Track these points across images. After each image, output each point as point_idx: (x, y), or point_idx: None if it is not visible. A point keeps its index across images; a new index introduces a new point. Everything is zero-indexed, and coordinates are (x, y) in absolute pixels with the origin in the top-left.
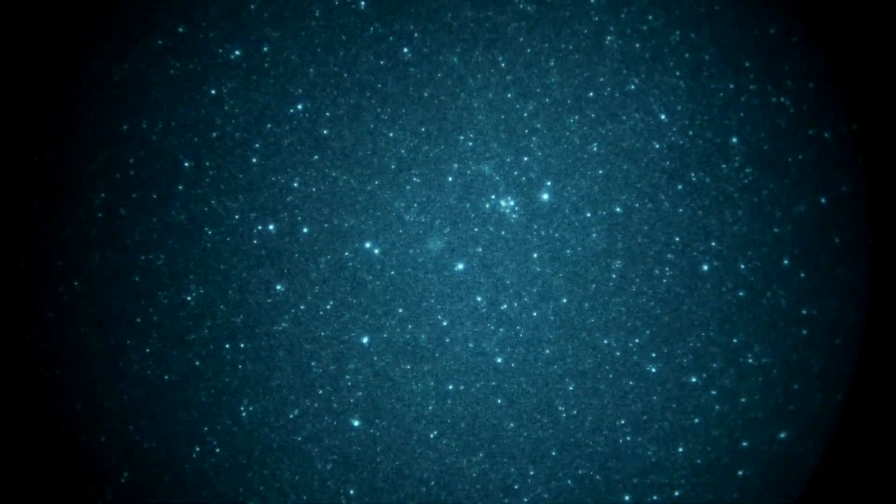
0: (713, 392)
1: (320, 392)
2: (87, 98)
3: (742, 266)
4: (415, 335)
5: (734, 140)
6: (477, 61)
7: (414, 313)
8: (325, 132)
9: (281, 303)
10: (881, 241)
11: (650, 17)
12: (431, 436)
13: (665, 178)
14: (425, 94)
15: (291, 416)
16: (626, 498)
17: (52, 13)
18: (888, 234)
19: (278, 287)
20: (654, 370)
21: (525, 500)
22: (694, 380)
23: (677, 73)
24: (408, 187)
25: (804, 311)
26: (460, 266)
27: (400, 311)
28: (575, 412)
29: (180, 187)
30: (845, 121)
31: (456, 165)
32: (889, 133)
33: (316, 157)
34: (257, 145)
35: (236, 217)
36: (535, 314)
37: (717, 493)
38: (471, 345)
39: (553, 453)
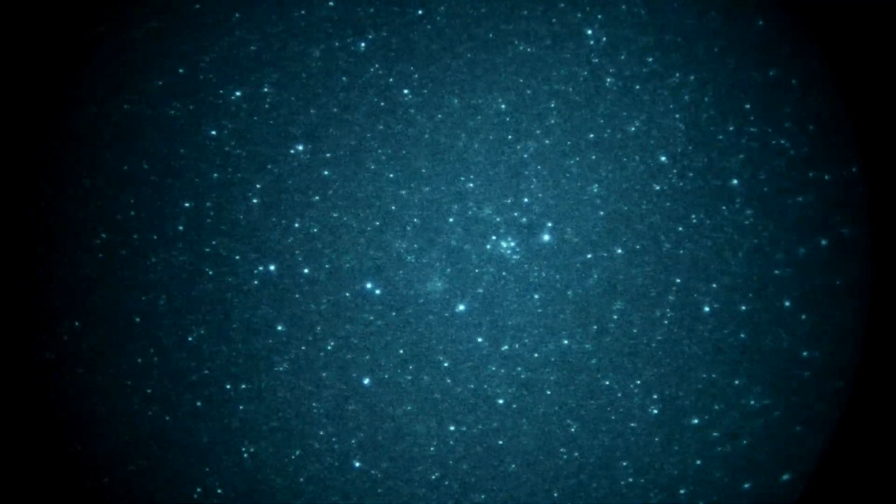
0: (715, 434)
1: (321, 433)
2: (87, 138)
3: (743, 308)
4: (416, 376)
5: (734, 182)
6: (477, 103)
7: (415, 354)
8: (325, 173)
9: (282, 343)
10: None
11: (650, 60)
12: (433, 477)
13: (665, 220)
14: (426, 136)
15: (293, 456)
16: None
17: (50, 54)
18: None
19: (279, 328)
20: (655, 412)
21: None
22: (696, 421)
23: (677, 116)
24: (408, 228)
25: (805, 353)
26: (461, 307)
27: (401, 351)
28: (576, 454)
29: (180, 228)
30: (846, 163)
31: (456, 206)
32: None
33: (316, 197)
34: (258, 186)
35: (237, 257)
36: (536, 355)
37: None
38: (472, 386)
39: (555, 495)
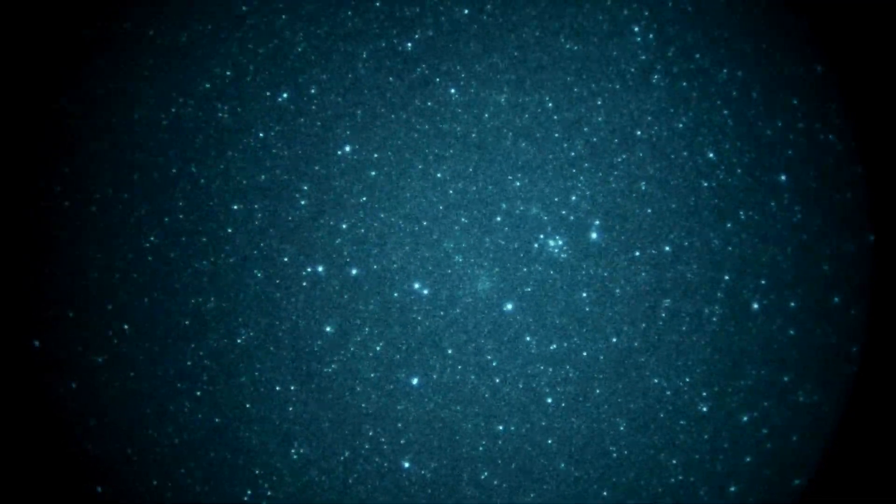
0: (765, 431)
1: (370, 434)
2: (136, 143)
3: (792, 304)
4: (464, 376)
5: (783, 178)
6: (523, 101)
7: (463, 354)
8: (372, 173)
9: (330, 345)
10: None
11: (697, 56)
12: (482, 477)
13: (714, 217)
14: (472, 135)
15: (342, 457)
16: None
17: (100, 59)
18: None
19: (328, 329)
20: (705, 409)
21: None
22: (745, 419)
23: (725, 112)
24: (456, 228)
25: (855, 349)
26: (509, 306)
27: (449, 351)
28: (626, 452)
29: (229, 230)
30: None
31: (504, 206)
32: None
33: (364, 198)
34: (305, 187)
35: (285, 259)
36: (584, 354)
37: None
38: (521, 385)
39: (604, 493)
